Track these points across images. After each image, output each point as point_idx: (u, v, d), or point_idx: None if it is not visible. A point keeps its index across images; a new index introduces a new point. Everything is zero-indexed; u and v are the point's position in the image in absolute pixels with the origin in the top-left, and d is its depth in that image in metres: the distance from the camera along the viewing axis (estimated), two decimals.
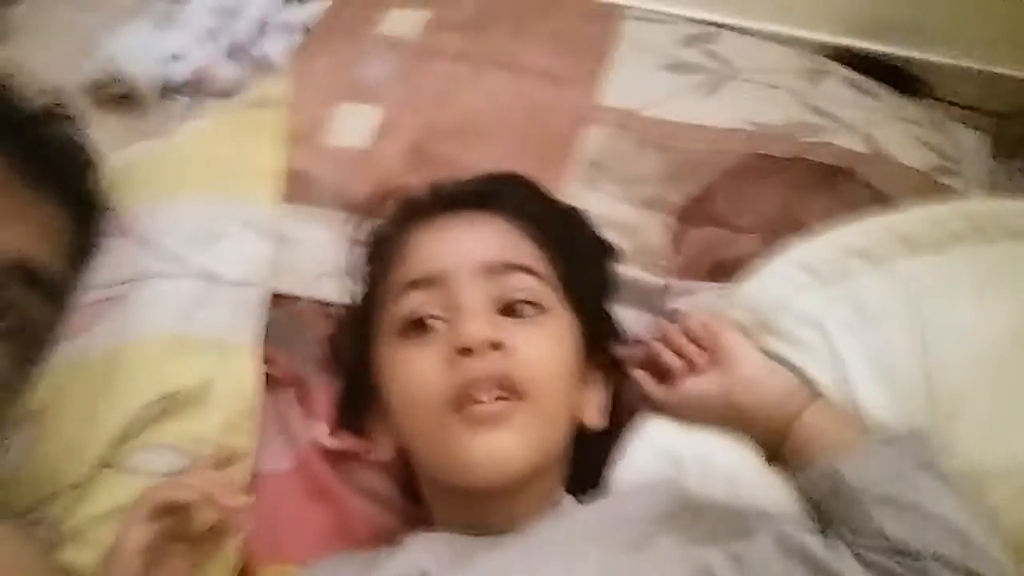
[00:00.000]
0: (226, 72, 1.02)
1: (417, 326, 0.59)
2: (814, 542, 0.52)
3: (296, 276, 0.74)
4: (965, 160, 0.81)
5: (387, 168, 0.79)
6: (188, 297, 0.67)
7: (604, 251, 0.69)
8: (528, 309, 0.59)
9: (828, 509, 0.53)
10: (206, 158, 0.74)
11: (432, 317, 0.58)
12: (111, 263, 0.68)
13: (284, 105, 0.78)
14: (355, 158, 0.80)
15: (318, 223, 0.76)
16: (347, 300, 0.72)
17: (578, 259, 0.64)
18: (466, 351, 0.55)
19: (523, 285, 0.59)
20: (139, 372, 0.63)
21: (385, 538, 0.61)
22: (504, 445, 0.54)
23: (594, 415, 0.62)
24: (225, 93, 1.00)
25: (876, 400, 0.57)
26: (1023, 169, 0.90)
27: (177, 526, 0.57)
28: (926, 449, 0.53)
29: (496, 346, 0.56)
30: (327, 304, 0.74)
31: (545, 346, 0.58)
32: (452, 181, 0.68)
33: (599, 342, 0.64)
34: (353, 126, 0.82)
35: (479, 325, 0.56)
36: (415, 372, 0.57)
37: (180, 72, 1.01)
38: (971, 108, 0.88)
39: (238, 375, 0.67)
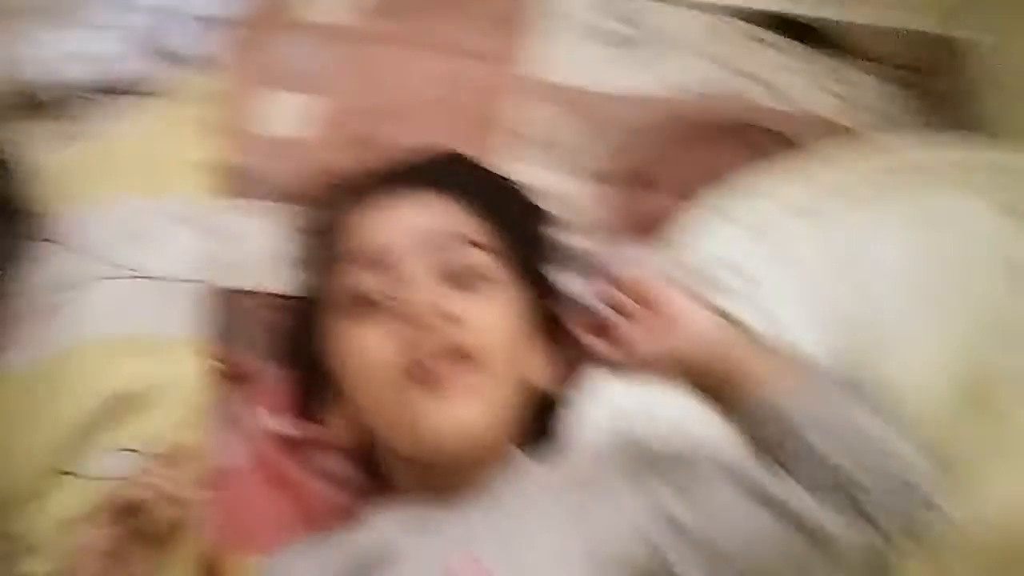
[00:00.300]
0: (135, 67, 1.00)
1: (364, 303, 0.59)
2: (763, 475, 0.55)
3: (244, 271, 0.74)
4: (877, 113, 0.85)
5: (324, 156, 0.79)
6: (123, 297, 0.66)
7: (543, 218, 0.70)
8: (473, 279, 0.60)
9: (768, 440, 0.56)
10: (134, 157, 0.72)
11: (377, 291, 0.59)
12: (41, 269, 0.66)
13: (211, 98, 0.77)
14: (291, 148, 0.80)
15: (260, 216, 0.76)
16: (290, 290, 0.72)
17: (518, 228, 0.65)
18: (415, 322, 0.56)
19: (466, 255, 0.61)
20: (80, 378, 0.63)
21: (349, 519, 0.62)
22: (463, 414, 0.56)
23: (543, 378, 0.64)
24: (137, 89, 0.97)
25: (804, 336, 0.60)
26: (927, 121, 0.96)
27: (137, 526, 0.57)
28: (851, 375, 0.56)
29: (445, 316, 0.57)
30: (279, 297, 0.74)
31: (493, 315, 0.59)
32: (387, 162, 0.69)
33: (543, 308, 0.66)
34: (287, 115, 0.82)
35: (425, 295, 0.57)
36: (367, 349, 0.58)
37: (87, 71, 0.98)
38: (884, 63, 0.92)
39: (183, 373, 0.66)
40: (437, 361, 0.56)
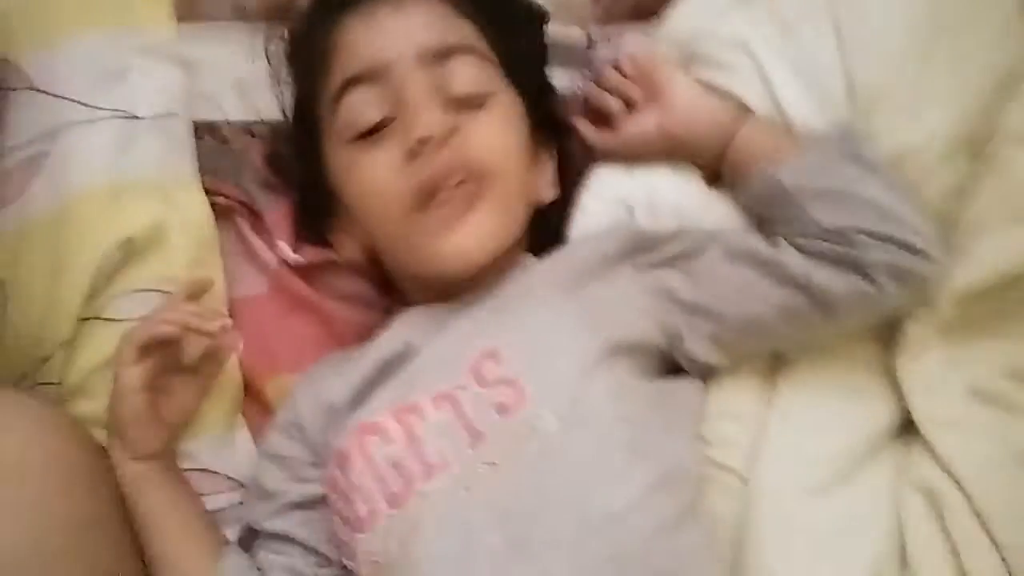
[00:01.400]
0: None
1: (367, 126, 0.58)
2: (757, 242, 0.57)
3: (209, 101, 0.71)
4: None
5: None
6: (111, 141, 0.65)
7: (536, 18, 0.67)
8: (474, 91, 0.59)
9: (768, 214, 0.58)
10: None
11: (379, 114, 0.58)
12: (18, 119, 0.64)
13: None
14: None
15: (215, 38, 0.72)
16: (272, 114, 0.70)
17: (513, 31, 0.63)
18: (422, 143, 0.55)
19: (466, 68, 0.58)
20: (87, 226, 0.62)
21: (371, 334, 0.64)
22: (470, 236, 0.56)
23: (546, 190, 0.64)
24: None
25: (803, 107, 0.59)
26: None
27: (169, 360, 0.60)
28: (853, 142, 0.56)
29: (450, 134, 0.56)
30: (251, 123, 0.72)
31: (496, 127, 0.58)
32: None
33: (542, 114, 0.64)
34: None
35: (431, 115, 0.55)
36: (374, 177, 0.58)
37: None
38: None
39: (188, 209, 0.66)
40: (444, 179, 0.56)
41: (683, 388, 0.58)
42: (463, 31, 0.60)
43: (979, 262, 0.55)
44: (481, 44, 0.60)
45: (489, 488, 0.50)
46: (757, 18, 0.63)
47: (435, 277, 0.59)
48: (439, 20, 0.60)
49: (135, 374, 0.57)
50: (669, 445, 0.54)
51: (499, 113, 0.59)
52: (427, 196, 0.56)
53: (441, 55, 0.58)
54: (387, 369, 0.58)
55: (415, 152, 0.56)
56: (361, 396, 0.58)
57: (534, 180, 0.63)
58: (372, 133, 0.58)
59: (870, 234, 0.53)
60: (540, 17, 0.67)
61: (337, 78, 0.60)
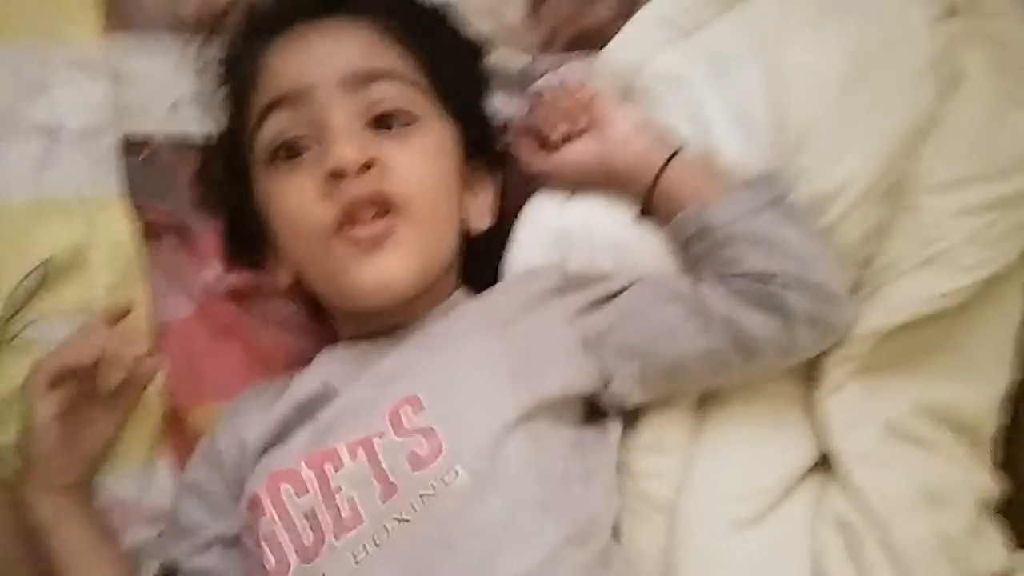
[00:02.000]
0: None
1: (286, 150, 0.57)
2: (683, 283, 0.58)
3: (140, 115, 0.69)
4: None
5: None
6: (32, 157, 0.62)
7: (475, 48, 0.67)
8: (398, 119, 0.58)
9: (693, 251, 0.59)
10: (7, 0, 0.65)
11: (299, 138, 0.57)
12: None
13: None
14: None
15: (148, 51, 0.70)
16: (205, 132, 0.69)
17: (449, 59, 0.62)
18: (338, 174, 0.55)
19: (391, 93, 0.58)
20: (7, 246, 0.60)
21: (301, 363, 0.63)
22: (389, 268, 0.56)
23: (480, 218, 0.63)
24: None
25: (733, 143, 0.61)
26: None
27: (85, 388, 0.58)
28: (778, 186, 0.58)
29: (369, 164, 0.55)
30: (184, 140, 0.70)
31: (419, 157, 0.58)
32: None
33: (479, 143, 0.64)
34: None
35: (349, 146, 0.55)
36: (291, 201, 0.57)
37: None
38: None
39: (111, 230, 0.64)
40: (361, 212, 0.55)
41: (603, 431, 0.58)
42: (392, 57, 0.59)
43: (891, 303, 0.57)
44: (410, 71, 0.60)
45: (398, 545, 0.50)
46: (692, 54, 0.64)
47: (352, 306, 0.58)
48: (367, 46, 0.59)
49: (48, 404, 0.56)
50: (586, 496, 0.54)
51: (422, 141, 0.59)
52: (344, 226, 0.55)
53: (365, 79, 0.57)
54: (305, 411, 0.57)
55: (331, 184, 0.55)
56: (276, 438, 0.56)
57: (464, 208, 0.62)
58: (291, 156, 0.57)
59: (789, 279, 0.54)
60: (479, 49, 0.67)
61: (261, 100, 0.59)
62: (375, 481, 0.51)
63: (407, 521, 0.50)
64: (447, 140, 0.61)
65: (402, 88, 0.58)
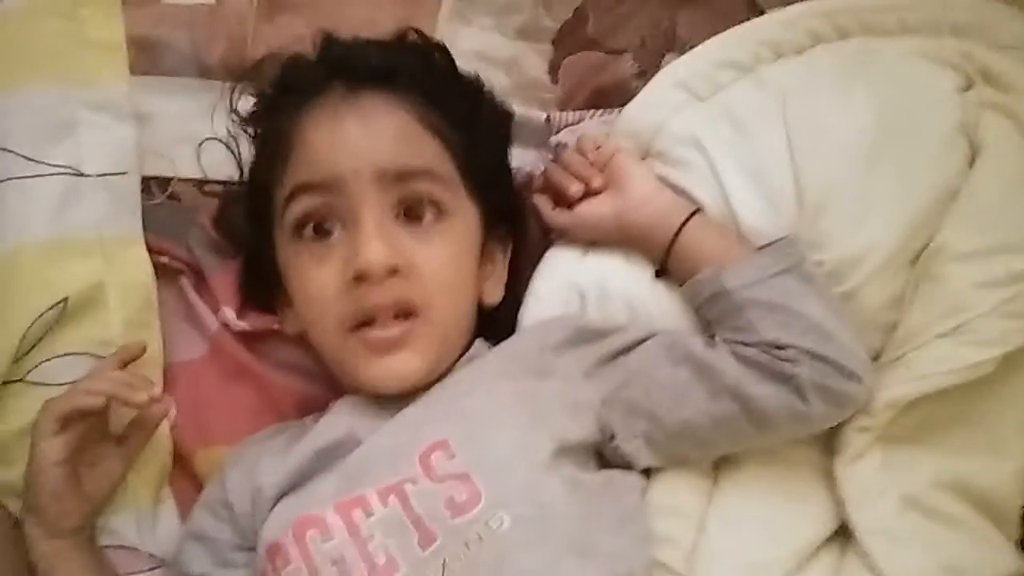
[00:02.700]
0: None
1: (313, 228, 0.58)
2: (696, 344, 0.57)
3: (162, 156, 0.70)
4: None
5: (238, 22, 0.73)
6: (54, 197, 0.63)
7: (503, 120, 0.67)
8: (428, 213, 0.58)
9: (709, 315, 0.58)
10: (36, 39, 0.66)
11: (328, 220, 0.58)
12: None
13: None
14: (201, 15, 0.73)
15: (173, 94, 0.71)
16: (226, 174, 0.69)
17: (480, 140, 0.63)
18: (361, 278, 0.55)
19: (424, 189, 0.58)
20: (21, 284, 0.60)
21: (311, 407, 0.63)
22: (400, 366, 0.56)
23: (494, 292, 0.64)
24: None
25: (752, 208, 0.60)
26: None
27: (94, 430, 0.57)
28: (795, 253, 0.57)
29: (394, 271, 0.55)
30: (203, 181, 0.71)
31: (444, 256, 0.58)
32: (344, 42, 0.63)
33: (499, 214, 0.64)
34: None
35: (377, 250, 0.55)
36: (313, 286, 0.58)
37: None
38: None
39: (129, 270, 0.64)
40: (381, 312, 0.56)
41: (629, 478, 0.58)
42: (427, 150, 0.59)
43: (914, 373, 0.56)
44: (444, 164, 0.60)
45: None
46: (711, 116, 0.64)
47: (364, 392, 0.59)
48: (404, 138, 0.59)
49: (55, 446, 0.55)
50: (619, 544, 0.53)
51: (449, 238, 0.59)
52: (362, 323, 0.56)
53: (400, 177, 0.58)
54: (326, 458, 0.56)
55: (354, 284, 0.56)
56: (295, 485, 0.56)
57: (481, 288, 0.63)
58: (319, 238, 0.58)
59: (805, 352, 0.54)
60: (508, 119, 0.68)
61: (296, 177, 0.59)
62: (411, 527, 0.51)
63: (447, 565, 0.49)
64: (472, 225, 0.62)
65: (435, 185, 0.59)
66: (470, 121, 0.62)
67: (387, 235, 0.56)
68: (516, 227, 0.66)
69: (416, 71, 0.61)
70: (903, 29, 0.64)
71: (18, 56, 0.65)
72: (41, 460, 0.55)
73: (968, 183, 0.59)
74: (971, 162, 0.59)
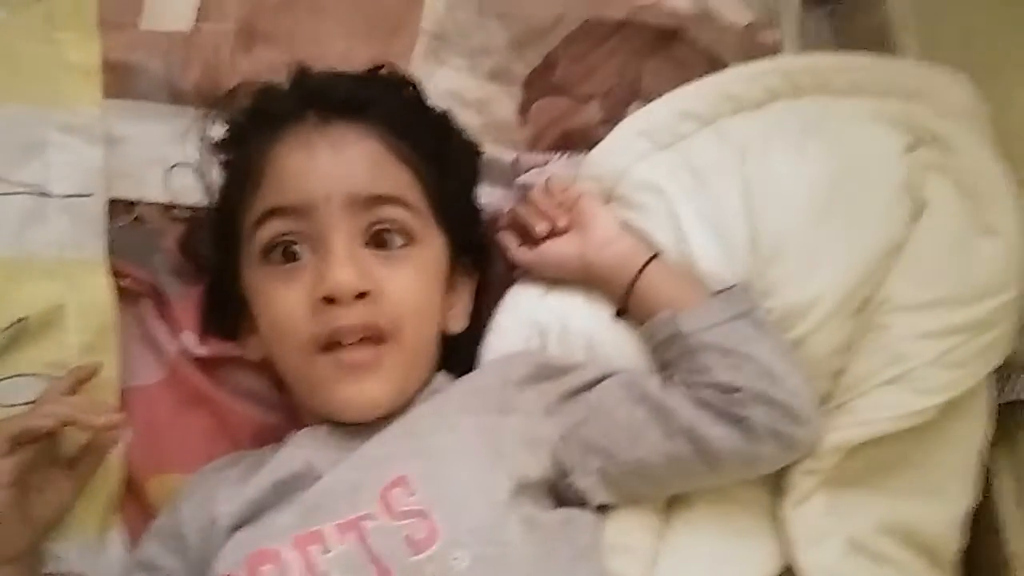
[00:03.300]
0: None
1: (282, 252, 0.58)
2: (653, 384, 0.59)
3: (131, 179, 0.70)
4: (781, 11, 0.86)
5: (215, 50, 0.74)
6: (18, 217, 0.63)
7: (472, 155, 0.69)
8: (397, 239, 0.59)
9: (666, 355, 0.60)
10: (11, 59, 0.66)
11: (296, 243, 0.58)
12: None
13: None
14: (178, 42, 0.74)
15: (145, 118, 0.72)
16: (193, 199, 0.69)
17: (448, 168, 0.64)
18: (328, 300, 0.55)
19: (393, 216, 0.59)
20: None
21: (268, 437, 0.63)
22: (371, 391, 0.57)
23: (458, 321, 0.64)
24: None
25: (709, 254, 0.62)
26: (829, 14, 0.98)
27: (44, 453, 0.56)
28: (749, 299, 0.59)
29: (362, 295, 0.56)
30: (170, 206, 0.71)
31: (412, 281, 0.59)
32: (319, 73, 0.64)
33: (466, 245, 0.65)
34: (171, 7, 0.76)
35: (346, 273, 0.56)
36: (281, 309, 0.58)
37: None
38: None
39: (90, 293, 0.64)
40: (348, 335, 0.56)
41: (585, 516, 0.58)
42: (398, 179, 0.60)
43: (858, 418, 0.58)
44: (414, 192, 0.61)
45: None
46: (672, 165, 0.66)
47: (329, 417, 0.58)
48: (376, 165, 0.60)
49: (3, 469, 0.54)
50: None
51: (417, 264, 0.60)
52: (329, 345, 0.56)
53: (369, 203, 0.58)
54: (284, 491, 0.56)
55: (322, 306, 0.56)
56: (251, 517, 0.55)
57: (446, 315, 0.63)
58: (287, 262, 0.58)
59: (756, 395, 0.55)
60: (476, 154, 0.69)
61: (266, 201, 0.59)
62: (369, 564, 0.50)
63: None
64: (440, 254, 0.62)
65: (404, 212, 0.60)
66: (439, 153, 0.63)
67: (356, 260, 0.57)
68: (482, 260, 0.67)
69: (387, 103, 0.63)
70: (856, 90, 0.67)
71: None
72: None
73: (912, 238, 0.61)
74: (915, 218, 0.62)
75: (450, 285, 0.64)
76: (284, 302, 0.57)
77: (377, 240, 0.59)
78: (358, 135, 0.60)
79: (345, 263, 0.56)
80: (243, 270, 0.61)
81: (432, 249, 0.61)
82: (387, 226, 0.59)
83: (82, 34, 0.68)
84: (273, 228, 0.58)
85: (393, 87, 0.66)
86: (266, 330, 0.60)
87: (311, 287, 0.56)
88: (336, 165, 0.59)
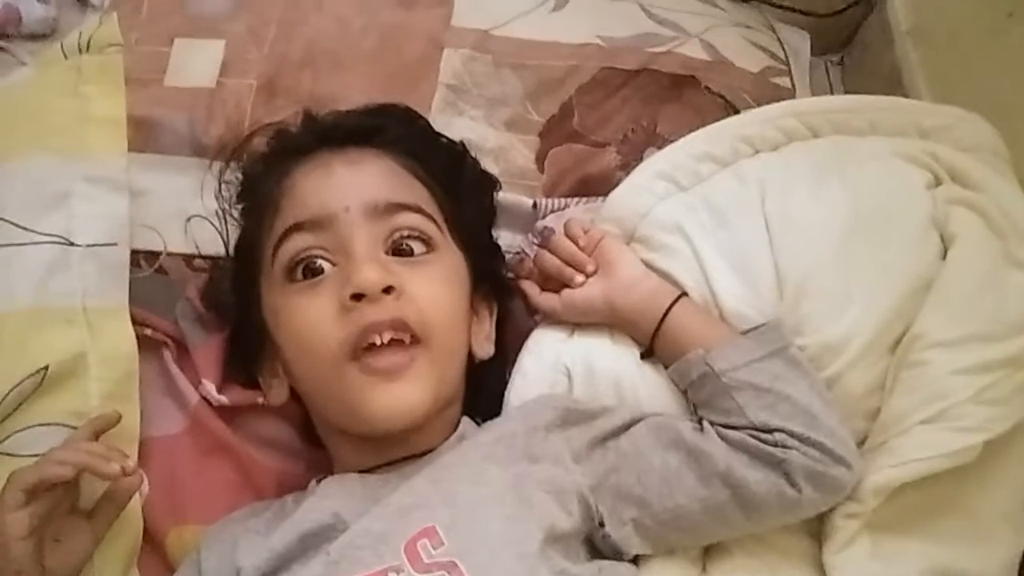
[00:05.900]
0: (32, 11, 0.93)
1: (306, 268, 0.58)
2: (686, 428, 0.57)
3: (153, 230, 0.71)
4: (792, 58, 0.87)
5: (237, 106, 0.76)
6: (42, 265, 0.63)
7: (487, 184, 0.70)
8: (417, 247, 0.60)
9: (698, 396, 0.59)
10: (39, 112, 0.68)
11: (320, 257, 0.58)
12: None
13: (118, 47, 0.72)
14: (201, 98, 0.76)
15: (169, 171, 0.73)
16: (214, 250, 0.70)
17: (463, 194, 0.65)
18: (356, 298, 0.55)
19: (412, 223, 0.60)
20: (4, 352, 0.60)
21: (290, 486, 0.62)
22: (402, 396, 0.56)
23: (483, 346, 0.64)
24: (35, 34, 0.91)
25: (734, 293, 0.62)
26: (837, 63, 1.00)
27: (62, 503, 0.55)
28: (780, 337, 0.58)
29: (388, 290, 0.56)
30: (192, 257, 0.72)
31: (436, 286, 0.59)
32: (329, 113, 0.66)
33: (485, 273, 0.65)
34: (195, 64, 0.78)
35: (372, 270, 0.56)
36: (308, 320, 0.57)
37: None
38: (794, 10, 0.95)
39: (112, 342, 0.64)
40: (377, 334, 0.55)
41: (619, 568, 0.56)
42: (413, 192, 0.62)
43: (898, 458, 0.56)
44: (430, 205, 0.62)
45: None
46: (693, 205, 0.66)
47: (359, 430, 0.57)
48: (391, 179, 0.61)
49: (20, 520, 0.53)
50: None
51: (439, 271, 0.60)
52: (359, 348, 0.56)
53: (388, 210, 0.59)
54: (311, 542, 0.54)
55: (350, 306, 0.56)
56: (277, 569, 0.54)
57: (471, 336, 0.63)
58: (310, 274, 0.58)
59: (792, 435, 0.54)
60: (492, 184, 0.70)
61: (285, 221, 0.60)
62: None
63: None
64: (461, 267, 0.63)
65: (421, 220, 0.60)
66: (453, 178, 0.65)
67: (379, 260, 0.57)
68: (501, 292, 0.67)
69: (398, 130, 0.65)
70: (872, 130, 0.67)
71: (21, 127, 0.66)
72: (5, 535, 0.53)
73: (942, 274, 0.60)
74: (942, 254, 0.61)
75: (473, 309, 0.64)
76: (310, 313, 0.57)
77: (398, 248, 0.59)
78: (373, 155, 0.62)
79: (370, 261, 0.56)
80: (265, 299, 0.61)
81: (452, 259, 0.62)
82: (407, 233, 0.59)
83: (108, 88, 0.70)
84: (295, 244, 0.59)
85: (403, 118, 0.68)
86: (292, 349, 0.59)
87: (337, 293, 0.56)
88: (353, 177, 0.60)
